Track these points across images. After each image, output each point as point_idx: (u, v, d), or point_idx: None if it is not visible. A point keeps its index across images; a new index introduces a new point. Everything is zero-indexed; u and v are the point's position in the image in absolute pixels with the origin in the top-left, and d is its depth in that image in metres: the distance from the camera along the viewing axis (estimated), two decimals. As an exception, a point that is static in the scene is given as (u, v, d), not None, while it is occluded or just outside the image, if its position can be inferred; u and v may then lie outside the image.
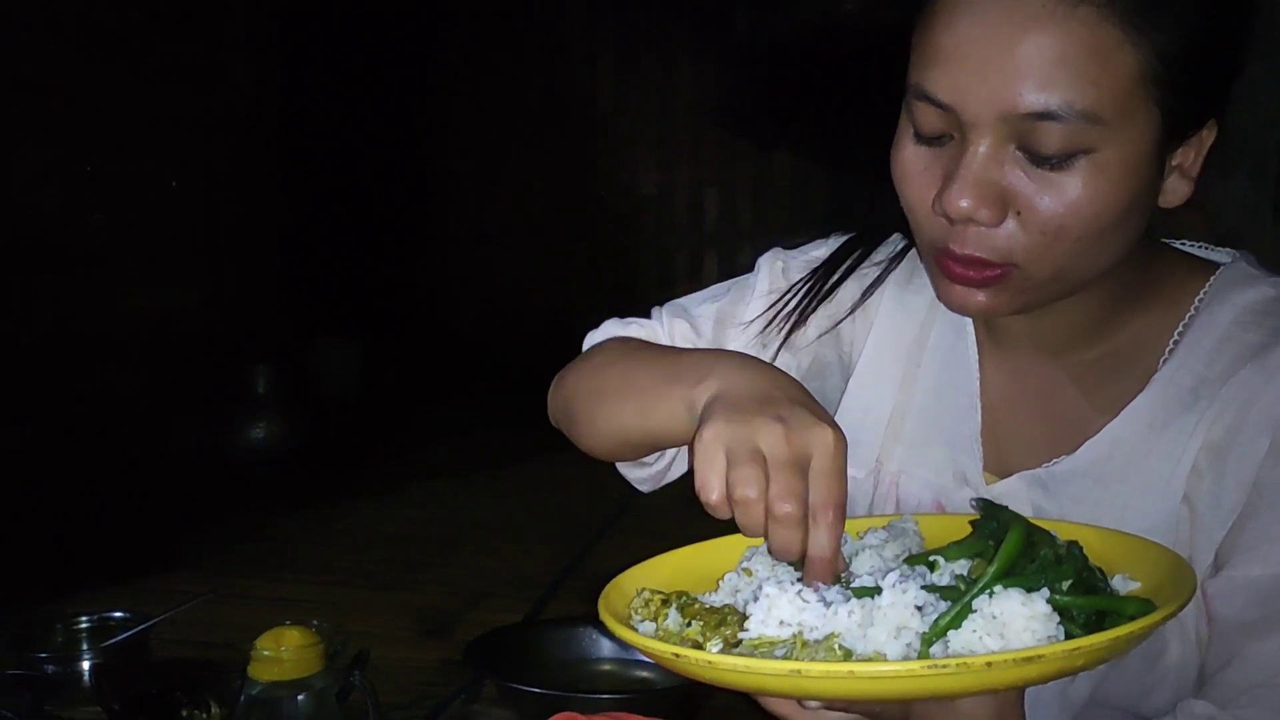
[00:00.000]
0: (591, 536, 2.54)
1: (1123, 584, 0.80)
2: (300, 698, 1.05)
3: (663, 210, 5.20)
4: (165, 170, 3.40)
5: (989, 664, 0.67)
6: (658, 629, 0.83)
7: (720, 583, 0.87)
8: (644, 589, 0.87)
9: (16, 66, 2.84)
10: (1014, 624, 0.72)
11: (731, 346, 1.15)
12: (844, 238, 1.17)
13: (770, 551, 0.81)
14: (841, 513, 0.80)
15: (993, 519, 0.82)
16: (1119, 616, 0.75)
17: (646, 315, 1.20)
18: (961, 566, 0.81)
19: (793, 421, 0.80)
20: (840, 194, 4.74)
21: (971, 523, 0.86)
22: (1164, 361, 0.97)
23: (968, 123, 0.85)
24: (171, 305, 3.40)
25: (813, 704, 0.78)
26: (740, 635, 0.78)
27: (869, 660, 0.72)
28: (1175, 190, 0.91)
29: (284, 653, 1.04)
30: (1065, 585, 0.76)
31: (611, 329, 1.19)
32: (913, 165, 0.91)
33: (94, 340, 3.12)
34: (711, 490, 0.80)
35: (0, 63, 2.80)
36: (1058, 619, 0.73)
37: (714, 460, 0.80)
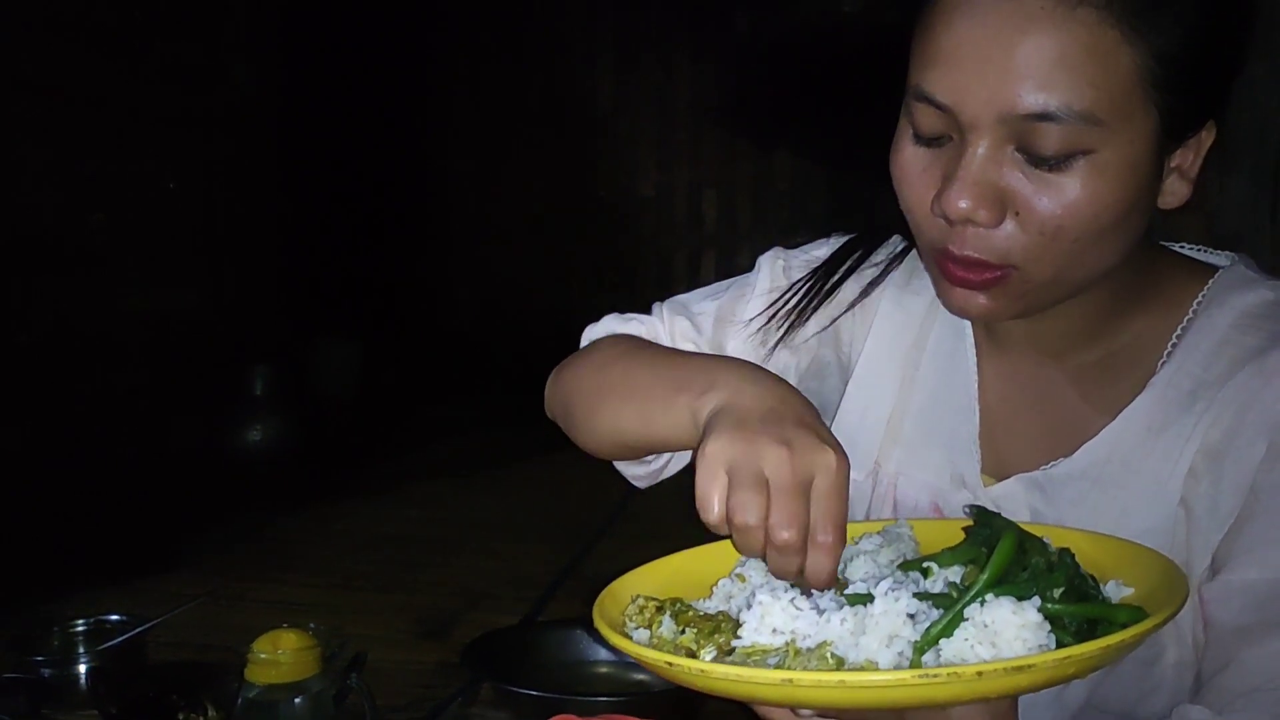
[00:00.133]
0: (591, 537, 2.54)
1: (1116, 590, 0.80)
2: (297, 700, 1.05)
3: (662, 210, 5.20)
4: (165, 170, 3.40)
5: (980, 673, 0.68)
6: (652, 636, 0.83)
7: (714, 589, 0.88)
8: (638, 595, 0.87)
9: (16, 66, 2.84)
10: (1005, 632, 0.72)
11: (731, 344, 1.14)
12: (845, 238, 1.17)
13: (770, 571, 0.82)
14: (841, 535, 0.80)
15: (986, 526, 0.82)
16: (1110, 625, 0.75)
17: (646, 313, 1.20)
18: (955, 573, 0.81)
19: (797, 444, 0.80)
20: (839, 195, 4.75)
21: (965, 529, 0.86)
22: (1162, 364, 0.97)
23: (967, 124, 0.85)
24: (171, 305, 3.40)
25: (806, 711, 0.78)
26: (733, 643, 0.78)
27: (860, 669, 0.72)
28: (1174, 192, 0.91)
29: (281, 655, 1.04)
30: (1057, 593, 0.76)
31: (611, 324, 1.19)
32: (912, 166, 0.91)
33: (94, 340, 3.12)
34: (711, 510, 0.81)
35: (0, 63, 2.80)
36: (1049, 627, 0.73)
37: (716, 477, 0.80)
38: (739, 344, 1.14)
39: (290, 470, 3.41)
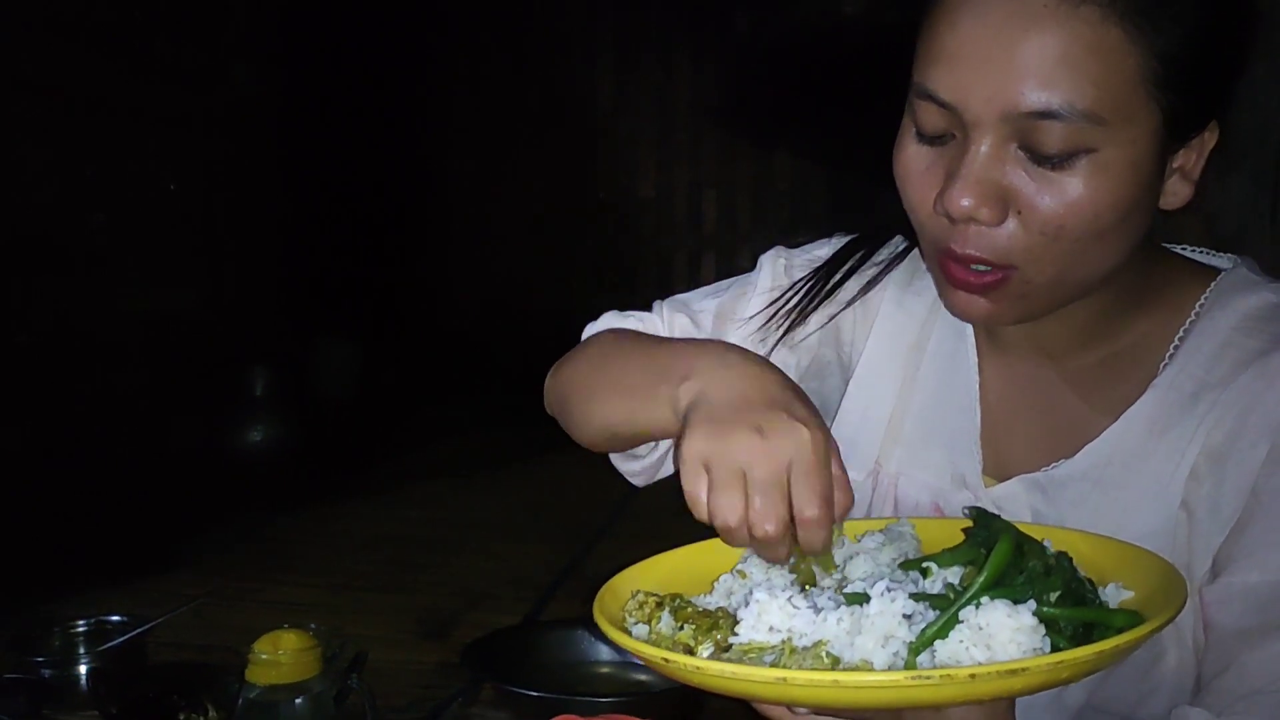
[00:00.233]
0: (591, 537, 2.54)
1: (1115, 593, 0.80)
2: (298, 701, 1.05)
3: (662, 211, 5.20)
4: (165, 170, 3.40)
5: (973, 675, 0.68)
6: (651, 632, 0.84)
7: (715, 584, 0.88)
8: (638, 591, 0.87)
9: (16, 66, 2.84)
10: (1000, 635, 0.72)
11: (731, 342, 1.14)
12: (847, 238, 1.17)
13: (762, 559, 0.83)
14: (828, 506, 0.81)
15: (984, 527, 0.82)
16: (1106, 629, 0.75)
17: (647, 312, 1.20)
18: (954, 574, 0.81)
19: (769, 429, 0.81)
20: (839, 195, 4.75)
21: (964, 530, 0.86)
22: (1164, 366, 0.97)
23: (969, 122, 0.85)
24: (171, 305, 3.40)
25: (803, 710, 0.78)
26: (730, 640, 0.78)
27: (855, 669, 0.73)
28: (1176, 192, 0.91)
29: (281, 656, 1.04)
30: (1053, 596, 0.76)
31: (610, 321, 1.19)
32: (915, 165, 0.91)
33: (93, 340, 3.12)
34: (701, 509, 0.83)
35: (0, 63, 2.80)
36: (1044, 631, 0.73)
37: (698, 476, 0.82)
38: (739, 342, 1.14)
39: (290, 470, 3.41)
